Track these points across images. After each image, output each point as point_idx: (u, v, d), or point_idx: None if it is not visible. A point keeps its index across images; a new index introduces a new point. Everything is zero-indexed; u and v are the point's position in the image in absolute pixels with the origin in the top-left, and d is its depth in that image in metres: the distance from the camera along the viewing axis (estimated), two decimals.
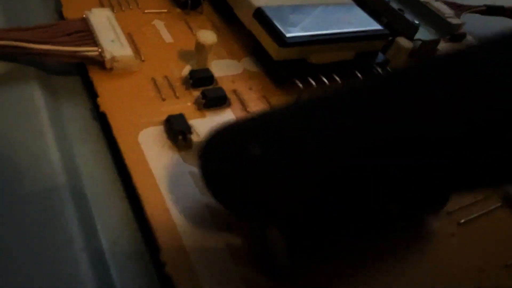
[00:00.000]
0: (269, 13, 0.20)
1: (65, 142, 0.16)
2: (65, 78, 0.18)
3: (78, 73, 0.19)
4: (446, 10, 0.28)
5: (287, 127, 0.10)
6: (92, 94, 0.17)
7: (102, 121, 0.17)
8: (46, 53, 0.17)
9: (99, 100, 0.17)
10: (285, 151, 0.10)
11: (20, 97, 0.16)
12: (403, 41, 0.22)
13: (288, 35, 0.19)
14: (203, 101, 0.17)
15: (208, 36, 0.18)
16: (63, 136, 0.16)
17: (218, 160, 0.11)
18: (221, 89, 0.18)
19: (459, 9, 0.30)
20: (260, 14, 0.20)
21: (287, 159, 0.10)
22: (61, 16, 0.21)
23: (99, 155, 0.16)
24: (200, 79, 0.18)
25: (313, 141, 0.09)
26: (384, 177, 0.09)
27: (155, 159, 0.15)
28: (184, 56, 0.20)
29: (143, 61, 0.19)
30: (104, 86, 0.17)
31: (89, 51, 0.18)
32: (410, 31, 0.24)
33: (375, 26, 0.22)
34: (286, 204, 0.10)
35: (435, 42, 0.25)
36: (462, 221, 0.16)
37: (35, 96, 0.17)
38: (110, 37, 0.18)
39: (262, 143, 0.10)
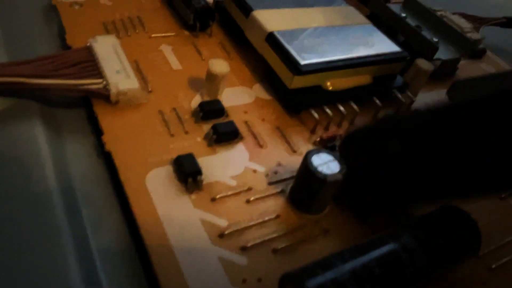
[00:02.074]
0: (282, 39, 0.19)
1: (68, 183, 0.15)
2: (69, 112, 0.17)
3: (83, 105, 0.18)
4: (464, 24, 0.27)
5: (419, 131, 0.13)
6: (97, 128, 0.16)
7: (107, 158, 0.16)
8: (48, 88, 0.16)
9: (104, 138, 0.16)
10: (419, 151, 0.13)
11: (21, 135, 0.16)
12: (422, 63, 0.21)
13: (302, 62, 0.18)
14: (214, 136, 0.16)
15: (220, 66, 0.17)
16: (66, 177, 0.15)
17: (360, 152, 0.15)
18: (232, 123, 0.17)
19: (478, 22, 0.29)
20: (272, 40, 0.19)
21: (420, 157, 0.13)
22: (64, 42, 0.20)
23: (105, 197, 0.15)
24: (210, 112, 0.17)
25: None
26: None
27: (164, 205, 0.14)
28: (193, 84, 0.19)
29: (150, 92, 0.18)
30: (109, 121, 0.16)
31: (93, 83, 0.17)
32: (429, 50, 0.23)
33: (393, 48, 0.21)
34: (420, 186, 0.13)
35: (455, 61, 0.24)
36: (494, 266, 0.15)
37: (37, 133, 0.16)
38: (116, 67, 0.17)
39: (401, 143, 0.13)
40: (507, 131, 0.11)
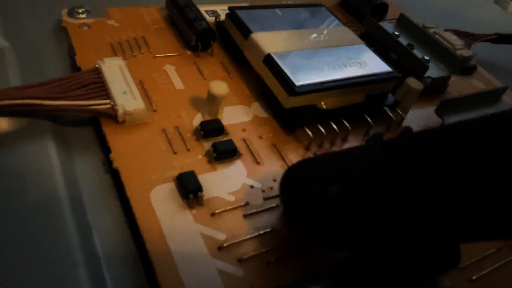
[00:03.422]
0: (279, 60, 0.20)
1: (78, 197, 0.16)
2: (79, 130, 0.19)
3: (92, 124, 0.19)
4: (456, 41, 0.28)
5: (357, 170, 0.13)
6: (105, 145, 0.18)
7: (114, 173, 0.17)
8: (59, 109, 0.17)
9: (111, 156, 0.17)
10: (358, 189, 0.12)
11: (34, 153, 0.17)
12: (413, 82, 0.22)
13: (298, 83, 0.19)
14: (214, 154, 0.17)
15: (220, 88, 0.19)
16: (75, 191, 0.16)
17: (299, 194, 0.14)
18: (231, 141, 0.18)
19: (470, 38, 0.30)
20: (269, 61, 0.20)
21: (359, 195, 0.12)
22: (74, 62, 0.21)
23: (112, 210, 0.16)
24: (211, 131, 0.18)
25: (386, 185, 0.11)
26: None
27: (167, 219, 0.15)
28: (195, 103, 0.20)
29: (154, 111, 0.19)
30: (116, 140, 0.17)
31: (101, 104, 0.18)
32: (419, 68, 0.24)
33: (384, 68, 0.22)
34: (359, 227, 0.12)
35: (446, 79, 0.25)
36: (474, 277, 0.16)
37: (49, 151, 0.17)
38: (122, 88, 0.19)
39: (339, 183, 0.13)
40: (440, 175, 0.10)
